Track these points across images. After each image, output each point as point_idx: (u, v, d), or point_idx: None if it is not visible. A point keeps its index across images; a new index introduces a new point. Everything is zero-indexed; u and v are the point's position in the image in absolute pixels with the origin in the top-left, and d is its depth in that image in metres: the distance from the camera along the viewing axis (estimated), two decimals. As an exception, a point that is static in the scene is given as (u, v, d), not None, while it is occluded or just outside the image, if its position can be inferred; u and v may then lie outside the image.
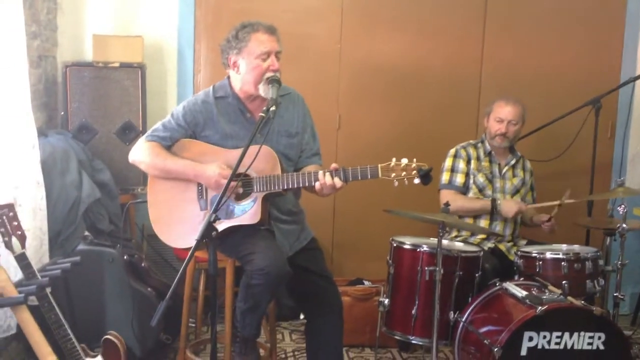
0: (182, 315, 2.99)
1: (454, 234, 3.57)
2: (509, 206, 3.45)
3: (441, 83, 4.28)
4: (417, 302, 3.04)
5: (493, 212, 3.49)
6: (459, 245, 3.29)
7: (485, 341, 2.75)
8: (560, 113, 3.95)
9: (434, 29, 4.26)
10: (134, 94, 3.75)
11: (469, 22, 4.27)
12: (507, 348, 2.65)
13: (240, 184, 2.64)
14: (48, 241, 3.15)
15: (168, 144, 2.78)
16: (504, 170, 3.61)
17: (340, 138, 4.26)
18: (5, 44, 2.93)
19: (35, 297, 2.40)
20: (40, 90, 3.66)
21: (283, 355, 3.56)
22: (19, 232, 2.41)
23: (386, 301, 3.14)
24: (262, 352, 3.01)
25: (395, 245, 3.17)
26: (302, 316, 3.71)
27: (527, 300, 2.76)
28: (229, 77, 2.83)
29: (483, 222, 3.53)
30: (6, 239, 2.39)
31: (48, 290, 2.43)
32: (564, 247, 3.29)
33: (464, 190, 3.56)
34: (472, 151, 3.61)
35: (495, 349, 2.65)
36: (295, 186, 2.61)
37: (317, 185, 2.56)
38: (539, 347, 2.67)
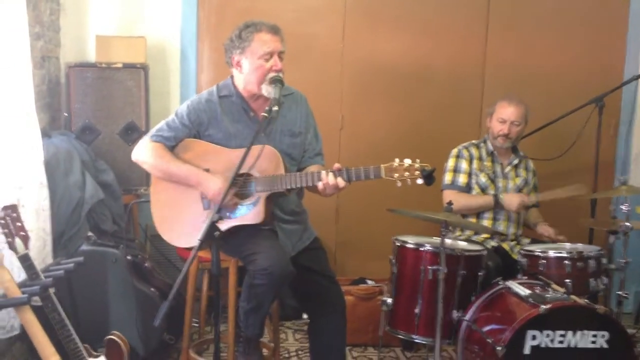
0: (185, 315, 2.99)
1: (457, 233, 3.57)
2: (511, 199, 3.45)
3: (444, 83, 4.28)
4: (420, 301, 3.04)
5: (496, 208, 3.48)
6: (462, 244, 3.28)
7: (488, 340, 2.74)
8: (563, 112, 3.95)
9: (437, 29, 4.26)
10: (137, 95, 3.76)
11: (471, 22, 4.27)
12: (510, 347, 2.64)
13: (234, 200, 2.64)
14: (51, 242, 3.16)
15: (172, 144, 2.78)
16: (507, 170, 3.61)
17: (343, 138, 4.27)
18: (8, 45, 2.94)
19: (39, 298, 2.40)
20: (44, 91, 3.67)
21: (286, 355, 3.57)
22: (23, 233, 2.41)
23: (389, 300, 3.13)
24: (265, 351, 3.01)
25: (398, 244, 3.16)
26: (305, 316, 3.72)
27: (531, 299, 2.75)
28: (232, 77, 2.83)
29: (486, 221, 3.53)
30: (9, 239, 2.39)
31: (51, 290, 2.43)
32: (568, 245, 3.28)
33: (466, 190, 3.55)
34: (474, 151, 3.61)
35: (499, 348, 2.64)
36: (298, 186, 2.61)
37: (320, 185, 2.56)
38: (543, 345, 2.66)
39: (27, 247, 2.42)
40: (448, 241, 3.09)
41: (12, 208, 2.43)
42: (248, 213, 2.66)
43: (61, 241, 3.26)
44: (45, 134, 3.41)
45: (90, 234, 3.29)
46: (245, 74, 2.73)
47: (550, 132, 4.02)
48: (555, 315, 2.66)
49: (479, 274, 3.08)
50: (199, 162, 2.74)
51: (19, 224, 2.41)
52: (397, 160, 2.50)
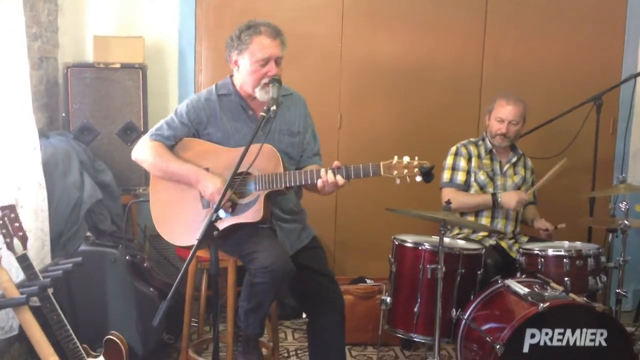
0: (184, 315, 2.99)
1: (456, 231, 3.57)
2: (509, 197, 3.45)
3: (442, 81, 4.28)
4: (419, 300, 3.04)
5: (494, 206, 3.49)
6: (460, 243, 3.29)
7: (487, 338, 2.75)
8: (561, 110, 3.94)
9: (435, 28, 4.25)
10: (135, 95, 3.76)
11: (470, 21, 4.27)
12: (509, 345, 2.64)
13: (230, 204, 2.64)
14: (50, 242, 3.16)
15: (172, 143, 2.78)
16: (505, 168, 3.61)
17: (342, 137, 4.27)
18: (6, 46, 2.93)
19: (37, 298, 2.40)
20: (42, 92, 3.67)
21: (285, 354, 3.57)
22: (21, 233, 2.41)
23: (388, 299, 3.14)
24: (264, 351, 3.01)
25: (397, 243, 3.16)
26: (304, 315, 3.72)
27: (529, 297, 2.75)
28: (232, 76, 2.84)
29: (485, 220, 3.53)
30: (8, 240, 2.39)
31: (50, 291, 2.43)
32: (566, 244, 3.29)
33: (465, 188, 3.56)
34: (473, 149, 3.61)
35: (497, 346, 2.64)
36: (298, 184, 2.62)
37: (320, 182, 2.56)
38: (541, 344, 2.67)
39: (26, 247, 2.42)
40: (447, 240, 3.09)
41: (11, 208, 2.43)
42: (247, 211, 2.66)
43: (60, 241, 3.26)
44: (44, 134, 3.41)
45: (88, 234, 3.29)
46: (242, 75, 2.75)
47: (548, 131, 4.02)
48: (554, 313, 2.67)
49: (478, 272, 3.08)
50: (199, 161, 2.74)
51: (17, 224, 2.41)
52: (395, 157, 2.51)
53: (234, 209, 2.67)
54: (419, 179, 2.50)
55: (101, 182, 3.53)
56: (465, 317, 2.95)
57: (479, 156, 3.60)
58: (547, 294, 2.78)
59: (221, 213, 2.28)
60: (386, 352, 3.62)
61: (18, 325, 2.75)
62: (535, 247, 3.19)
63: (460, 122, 4.25)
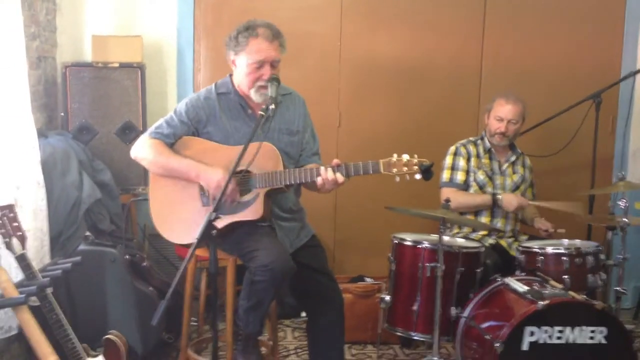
0: (183, 314, 2.99)
1: (455, 230, 3.57)
2: (510, 199, 3.45)
3: (441, 80, 4.28)
4: (418, 299, 3.04)
5: (494, 207, 3.49)
6: (460, 241, 3.29)
7: (486, 336, 2.75)
8: (560, 108, 3.94)
9: (434, 27, 4.25)
10: (134, 94, 3.76)
11: (469, 19, 4.27)
12: (508, 343, 2.64)
13: (240, 188, 2.64)
14: (49, 242, 3.16)
15: (171, 141, 2.78)
16: (504, 167, 3.61)
17: (341, 136, 4.27)
18: (4, 45, 2.93)
19: (36, 298, 2.40)
20: (40, 91, 3.67)
21: (285, 353, 3.57)
22: (20, 233, 2.41)
23: (388, 298, 3.14)
24: (264, 349, 3.02)
25: (396, 242, 3.17)
26: (303, 314, 3.73)
27: (529, 295, 2.75)
28: (231, 75, 2.84)
29: (484, 219, 3.53)
30: (7, 239, 2.39)
31: (49, 290, 2.43)
32: (565, 241, 3.28)
33: (464, 187, 3.56)
34: (472, 148, 3.61)
35: (497, 344, 2.64)
36: (297, 182, 2.62)
37: (319, 180, 2.56)
38: (541, 342, 2.67)
39: (25, 247, 2.42)
40: (446, 238, 3.09)
41: (10, 208, 2.43)
42: (247, 209, 2.66)
43: (59, 241, 3.26)
44: (42, 134, 3.41)
45: (87, 233, 3.28)
46: (239, 75, 2.76)
47: (547, 129, 4.02)
48: (553, 311, 2.66)
49: (477, 270, 3.08)
50: (199, 159, 2.74)
51: (16, 224, 2.41)
52: (395, 155, 2.52)
53: (240, 193, 2.65)
54: (418, 176, 2.50)
55: (100, 181, 3.53)
56: (465, 315, 2.95)
57: (478, 155, 3.59)
58: (546, 291, 2.78)
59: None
60: (386, 351, 3.62)
61: (17, 325, 2.75)
62: (535, 245, 3.19)
63: (459, 121, 4.25)
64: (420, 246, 3.06)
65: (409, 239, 3.13)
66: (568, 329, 2.67)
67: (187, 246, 2.54)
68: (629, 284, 4.13)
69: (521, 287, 2.84)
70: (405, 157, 2.51)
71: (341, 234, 4.33)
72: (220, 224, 2.34)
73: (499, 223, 3.53)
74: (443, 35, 4.25)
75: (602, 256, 3.17)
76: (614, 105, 4.31)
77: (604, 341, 2.68)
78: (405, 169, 2.50)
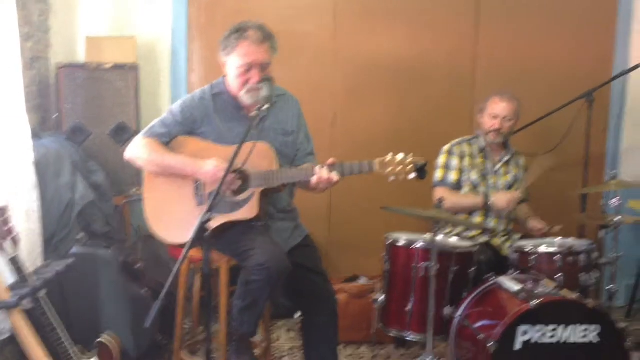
0: (177, 315, 2.99)
1: (449, 230, 3.58)
2: (501, 200, 3.45)
3: (435, 79, 4.28)
4: (412, 298, 3.05)
5: (486, 209, 3.49)
6: (453, 240, 3.29)
7: (479, 336, 2.75)
8: (553, 107, 3.95)
9: (427, 26, 4.26)
10: (128, 95, 3.75)
11: (462, 18, 4.27)
12: (501, 342, 2.65)
13: (238, 176, 2.65)
14: (42, 243, 3.16)
15: (166, 140, 2.78)
16: (497, 167, 3.62)
17: (335, 136, 4.27)
18: (-2, 46, 2.93)
19: (29, 300, 2.40)
20: (34, 92, 3.66)
21: (279, 354, 3.57)
22: (12, 235, 2.41)
23: (381, 298, 3.15)
24: (257, 350, 3.02)
25: (390, 241, 3.17)
26: (297, 314, 3.72)
27: (522, 294, 2.76)
28: (225, 76, 2.84)
29: (477, 218, 3.54)
30: (-1, 241, 2.39)
31: (42, 293, 2.43)
32: (558, 240, 3.29)
33: (457, 187, 3.56)
34: (466, 148, 3.61)
35: (490, 344, 2.65)
36: (293, 181, 2.64)
37: (314, 179, 2.57)
38: (534, 340, 2.67)
39: (17, 249, 2.41)
40: (439, 238, 3.10)
41: (2, 210, 2.42)
42: (242, 208, 2.66)
43: (52, 243, 3.25)
44: (36, 135, 3.40)
45: (81, 235, 3.28)
46: (230, 77, 2.77)
47: (540, 127, 4.02)
48: (546, 310, 2.67)
49: (471, 270, 3.09)
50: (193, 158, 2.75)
51: (8, 226, 2.41)
52: (390, 154, 2.55)
53: (235, 193, 2.65)
54: (412, 175, 2.53)
55: (93, 182, 3.53)
56: (458, 314, 2.96)
57: (471, 155, 3.60)
58: (539, 290, 2.79)
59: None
60: (380, 351, 3.63)
61: (10, 327, 2.74)
62: (528, 244, 3.20)
63: (453, 120, 4.26)
64: (413, 246, 3.07)
65: (402, 238, 3.14)
66: (561, 328, 2.69)
67: (182, 246, 2.54)
68: (622, 282, 4.13)
69: (514, 286, 2.84)
70: (400, 156, 2.54)
71: (335, 234, 4.33)
72: (214, 223, 2.35)
73: (492, 223, 3.53)
74: (437, 35, 4.26)
75: (595, 255, 3.18)
76: (607, 104, 4.32)
77: (596, 339, 2.70)
78: (399, 168, 2.52)
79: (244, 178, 2.66)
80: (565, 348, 2.69)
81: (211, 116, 2.78)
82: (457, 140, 3.65)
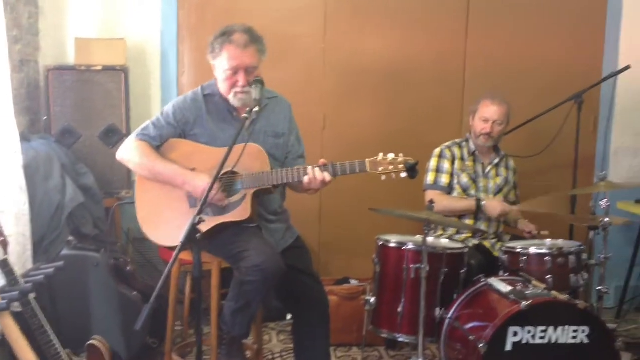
0: (167, 318, 2.98)
1: (440, 232, 3.58)
2: (493, 206, 3.47)
3: (425, 81, 4.29)
4: (403, 300, 3.05)
5: (477, 212, 3.50)
6: (444, 242, 3.30)
7: (470, 337, 2.76)
8: (542, 109, 3.97)
9: (417, 28, 4.26)
10: (117, 97, 3.74)
11: (452, 20, 4.28)
12: (492, 343, 2.65)
13: (224, 187, 2.65)
14: (32, 246, 3.14)
15: (158, 143, 2.78)
16: (488, 170, 3.63)
17: (326, 138, 4.27)
18: (-15, 49, 2.91)
19: (19, 304, 2.38)
20: (22, 95, 3.64)
21: (270, 356, 3.56)
22: (2, 238, 2.39)
23: (372, 300, 3.14)
24: (248, 353, 3.01)
25: (380, 243, 3.17)
26: (289, 317, 3.72)
27: (512, 296, 2.77)
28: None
29: (468, 220, 3.54)
30: (-12, 245, 2.37)
31: (32, 296, 2.41)
32: (548, 241, 3.30)
33: (448, 190, 3.57)
34: (456, 151, 3.62)
35: (481, 345, 2.66)
36: (285, 182, 2.63)
37: (306, 179, 2.58)
38: (524, 342, 2.68)
39: (7, 252, 2.39)
40: (430, 240, 3.10)
41: (-9, 213, 2.41)
42: (234, 210, 2.66)
43: (42, 246, 3.24)
44: (25, 138, 3.39)
45: (71, 238, 3.26)
46: (218, 80, 2.78)
47: (530, 129, 4.04)
48: (536, 311, 2.68)
49: (461, 271, 3.10)
50: (185, 161, 2.74)
51: (-3, 229, 2.39)
52: (381, 154, 2.57)
53: (227, 195, 2.66)
54: (404, 175, 2.55)
55: (83, 185, 3.51)
56: (449, 316, 2.96)
57: (462, 158, 3.61)
58: (529, 292, 2.79)
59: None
60: (371, 353, 3.63)
61: (0, 330, 2.73)
62: (518, 246, 3.20)
63: (444, 122, 4.27)
64: (404, 248, 3.07)
65: (393, 240, 3.14)
66: (551, 329, 2.69)
67: (173, 249, 2.53)
68: (611, 283, 4.15)
69: (504, 288, 2.85)
70: (391, 156, 2.56)
71: (326, 236, 4.33)
72: (206, 226, 2.34)
73: (482, 225, 3.54)
74: (427, 37, 4.27)
75: (584, 256, 3.20)
76: (596, 106, 4.35)
77: (586, 340, 2.71)
78: (391, 167, 2.54)
79: (236, 181, 2.66)
80: (555, 349, 2.69)
81: (203, 117, 2.78)
82: (447, 143, 3.66)
